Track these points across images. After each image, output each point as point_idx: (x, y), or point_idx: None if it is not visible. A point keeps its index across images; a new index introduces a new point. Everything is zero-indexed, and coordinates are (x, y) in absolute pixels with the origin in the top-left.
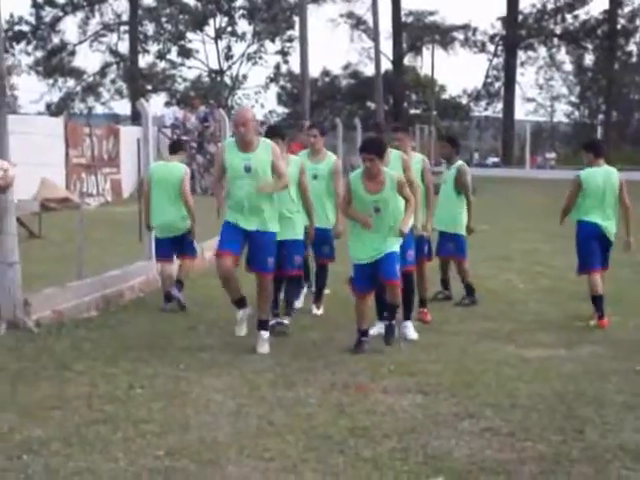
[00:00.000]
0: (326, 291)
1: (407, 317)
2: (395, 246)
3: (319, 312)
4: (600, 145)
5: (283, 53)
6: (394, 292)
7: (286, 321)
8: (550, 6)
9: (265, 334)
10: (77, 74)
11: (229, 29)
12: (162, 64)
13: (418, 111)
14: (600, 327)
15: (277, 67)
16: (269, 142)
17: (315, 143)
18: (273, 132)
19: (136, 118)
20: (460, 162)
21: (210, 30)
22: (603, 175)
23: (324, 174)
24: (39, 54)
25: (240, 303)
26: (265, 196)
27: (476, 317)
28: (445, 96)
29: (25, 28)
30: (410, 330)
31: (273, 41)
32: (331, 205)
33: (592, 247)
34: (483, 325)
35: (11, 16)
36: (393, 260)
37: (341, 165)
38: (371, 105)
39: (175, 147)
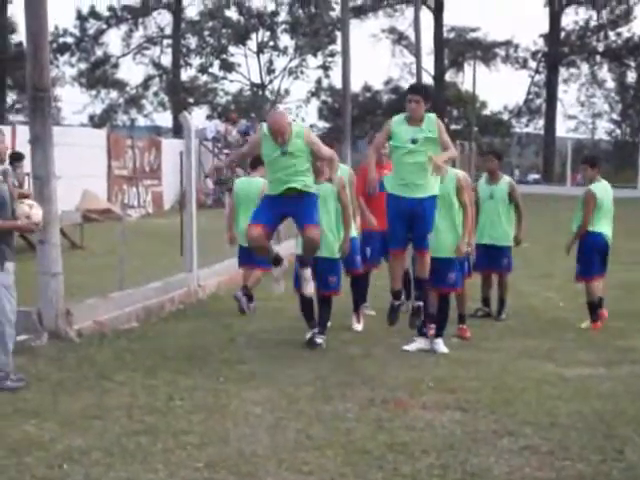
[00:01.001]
0: (372, 312)
1: (439, 334)
2: (434, 190)
3: (359, 327)
4: (599, 160)
5: (324, 68)
6: (423, 262)
7: (320, 340)
8: (593, 23)
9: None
10: (120, 86)
11: (271, 43)
12: (204, 77)
13: (459, 127)
14: (594, 329)
15: (318, 81)
16: (301, 127)
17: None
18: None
19: (178, 131)
20: (507, 177)
21: (252, 44)
22: (606, 188)
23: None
24: (83, 66)
25: (275, 261)
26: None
27: (516, 334)
28: (486, 112)
29: (69, 40)
30: (440, 346)
31: (315, 55)
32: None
33: (597, 256)
34: (523, 343)
35: (56, 28)
36: (427, 230)
37: (349, 178)
38: None
39: (256, 162)
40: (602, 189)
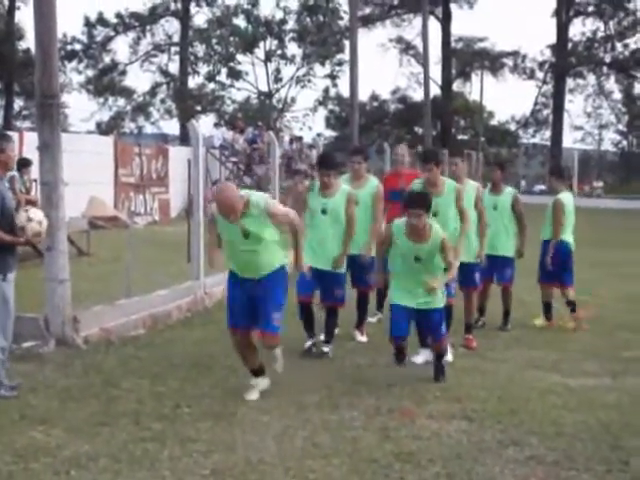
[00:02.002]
0: (373, 319)
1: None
2: (441, 302)
3: (364, 339)
4: (566, 171)
5: (332, 77)
6: (441, 346)
7: (326, 349)
8: (600, 34)
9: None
10: (127, 93)
11: (279, 52)
12: (211, 85)
13: (466, 137)
14: (549, 327)
15: (326, 90)
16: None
17: (359, 170)
18: (327, 163)
19: (185, 138)
20: (510, 188)
21: (260, 52)
22: (571, 199)
23: (366, 200)
24: (90, 73)
25: (255, 372)
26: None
27: (522, 345)
28: (493, 122)
29: (77, 47)
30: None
31: (323, 64)
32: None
33: (566, 264)
34: (529, 353)
35: (64, 35)
36: (440, 320)
37: (382, 190)
38: (419, 130)
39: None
40: (567, 199)
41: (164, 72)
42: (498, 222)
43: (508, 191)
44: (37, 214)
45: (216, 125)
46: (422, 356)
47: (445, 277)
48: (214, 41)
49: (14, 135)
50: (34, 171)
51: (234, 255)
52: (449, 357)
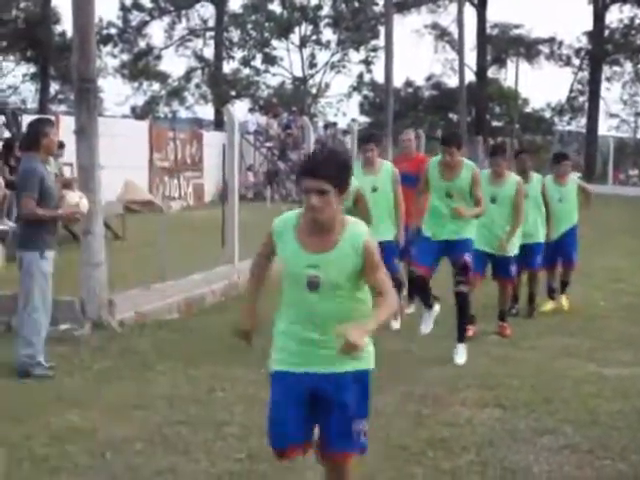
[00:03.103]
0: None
1: (460, 339)
2: (470, 233)
3: (397, 326)
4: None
5: (367, 62)
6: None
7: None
8: (638, 21)
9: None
10: (162, 78)
11: (314, 37)
12: (246, 70)
13: (500, 124)
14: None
15: (360, 76)
16: None
17: (371, 157)
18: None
19: (219, 123)
20: (538, 175)
21: (295, 38)
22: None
23: (385, 186)
24: (125, 57)
25: None
26: None
27: (555, 333)
28: (528, 109)
29: (112, 31)
30: (460, 354)
31: (357, 50)
32: (390, 219)
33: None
34: (562, 341)
35: (100, 20)
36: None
37: (398, 173)
38: (453, 116)
39: None
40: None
41: (199, 57)
42: (526, 209)
43: (537, 178)
44: (74, 198)
45: (251, 110)
46: (427, 323)
47: (474, 210)
48: (249, 26)
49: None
50: (69, 155)
51: None
52: (461, 359)
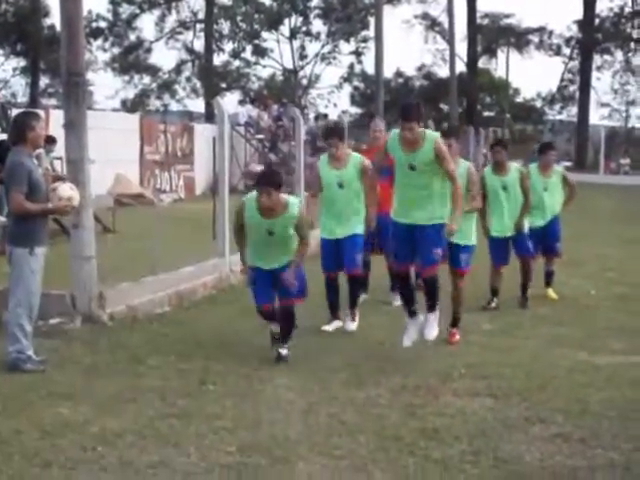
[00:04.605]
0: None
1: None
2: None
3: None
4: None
5: (357, 53)
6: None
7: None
8: (627, 10)
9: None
10: (153, 71)
11: (304, 29)
12: (237, 62)
13: (492, 113)
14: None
15: (351, 67)
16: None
17: (335, 153)
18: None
19: (210, 116)
20: (517, 165)
21: (285, 29)
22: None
23: (353, 179)
24: (115, 50)
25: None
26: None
27: (548, 323)
28: (519, 99)
29: (102, 24)
30: (429, 327)
31: (347, 41)
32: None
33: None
34: (555, 331)
35: (89, 13)
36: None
37: (367, 162)
38: (444, 107)
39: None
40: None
41: (189, 50)
42: (508, 200)
43: (516, 168)
44: (66, 191)
45: (241, 102)
46: (409, 335)
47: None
48: (239, 18)
49: (40, 113)
50: (59, 149)
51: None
52: (420, 318)
